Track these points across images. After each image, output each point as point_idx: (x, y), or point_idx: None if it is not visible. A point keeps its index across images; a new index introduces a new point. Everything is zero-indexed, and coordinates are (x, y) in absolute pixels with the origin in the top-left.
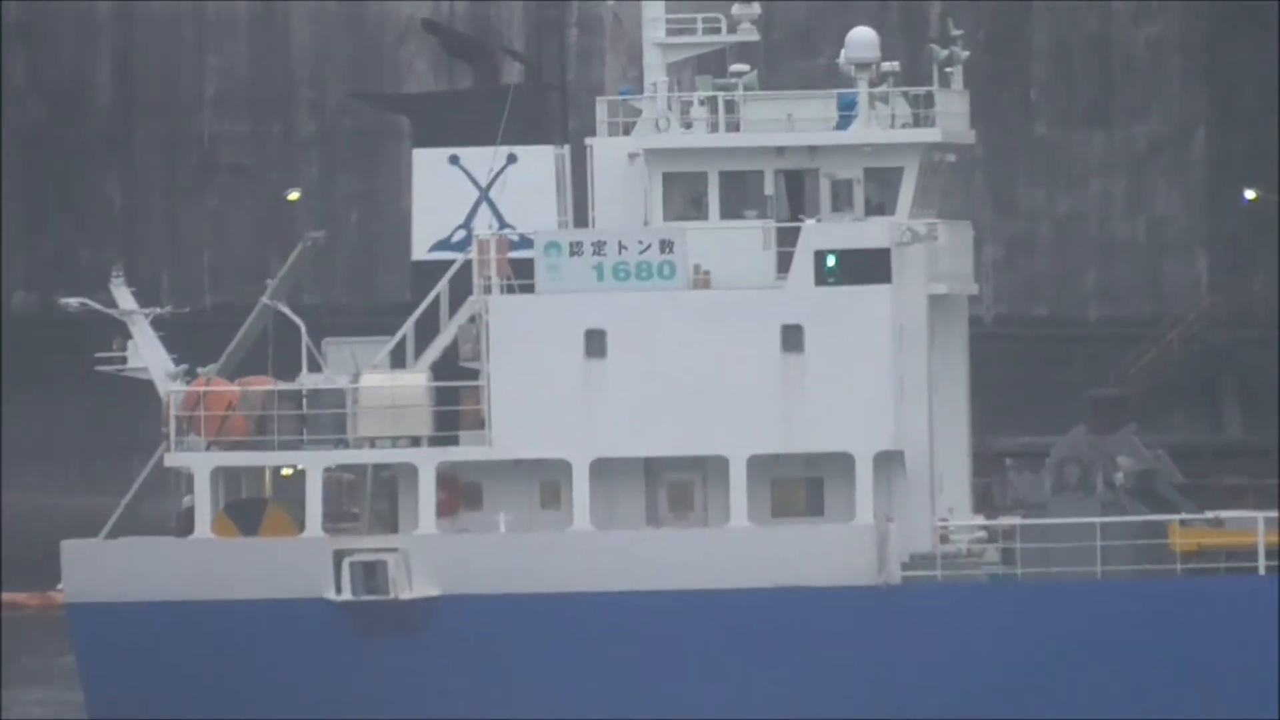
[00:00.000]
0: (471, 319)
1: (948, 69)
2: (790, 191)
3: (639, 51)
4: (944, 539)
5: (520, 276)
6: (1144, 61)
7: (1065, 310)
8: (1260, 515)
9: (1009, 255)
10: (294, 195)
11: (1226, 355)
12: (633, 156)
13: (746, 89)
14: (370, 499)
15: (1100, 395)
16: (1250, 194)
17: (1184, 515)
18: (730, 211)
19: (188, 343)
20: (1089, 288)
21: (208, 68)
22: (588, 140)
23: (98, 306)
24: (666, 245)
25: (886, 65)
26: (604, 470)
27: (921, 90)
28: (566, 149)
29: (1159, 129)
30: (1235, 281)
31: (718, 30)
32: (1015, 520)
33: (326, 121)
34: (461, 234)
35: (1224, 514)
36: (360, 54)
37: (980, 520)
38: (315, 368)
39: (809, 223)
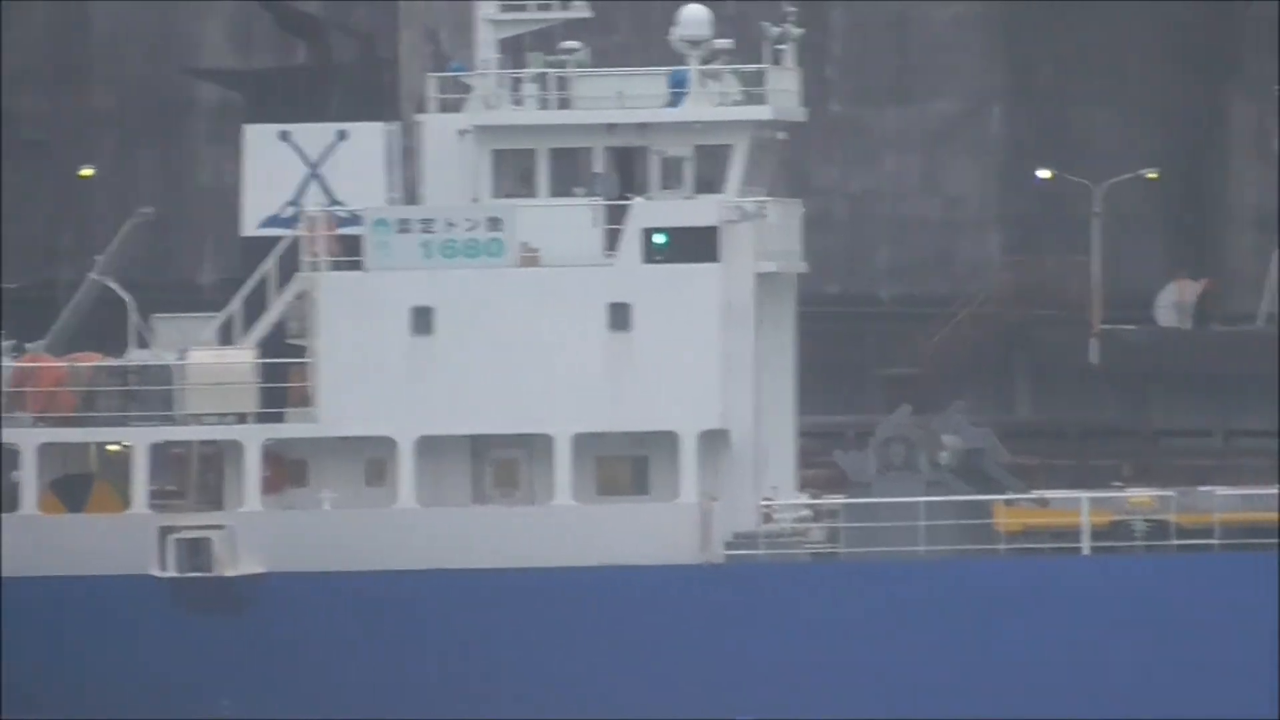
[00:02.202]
0: (299, 295)
1: (779, 47)
2: (620, 169)
3: (434, 30)
4: (768, 518)
5: (349, 253)
6: (941, 39)
7: (858, 288)
8: (1085, 495)
9: (803, 233)
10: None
11: (1018, 335)
12: (462, 133)
13: (577, 66)
14: (197, 475)
15: (892, 374)
16: (1044, 173)
17: (1009, 495)
18: (560, 189)
19: None
20: (882, 266)
21: (3, 42)
22: (418, 117)
23: None
24: (495, 223)
25: (719, 43)
26: (430, 448)
27: (752, 68)
28: (397, 126)
29: (954, 107)
30: (1028, 261)
31: (549, 6)
32: (839, 499)
33: (125, 96)
34: (291, 210)
35: (1049, 494)
36: (158, 28)
37: (804, 499)
38: (144, 344)
39: (638, 200)
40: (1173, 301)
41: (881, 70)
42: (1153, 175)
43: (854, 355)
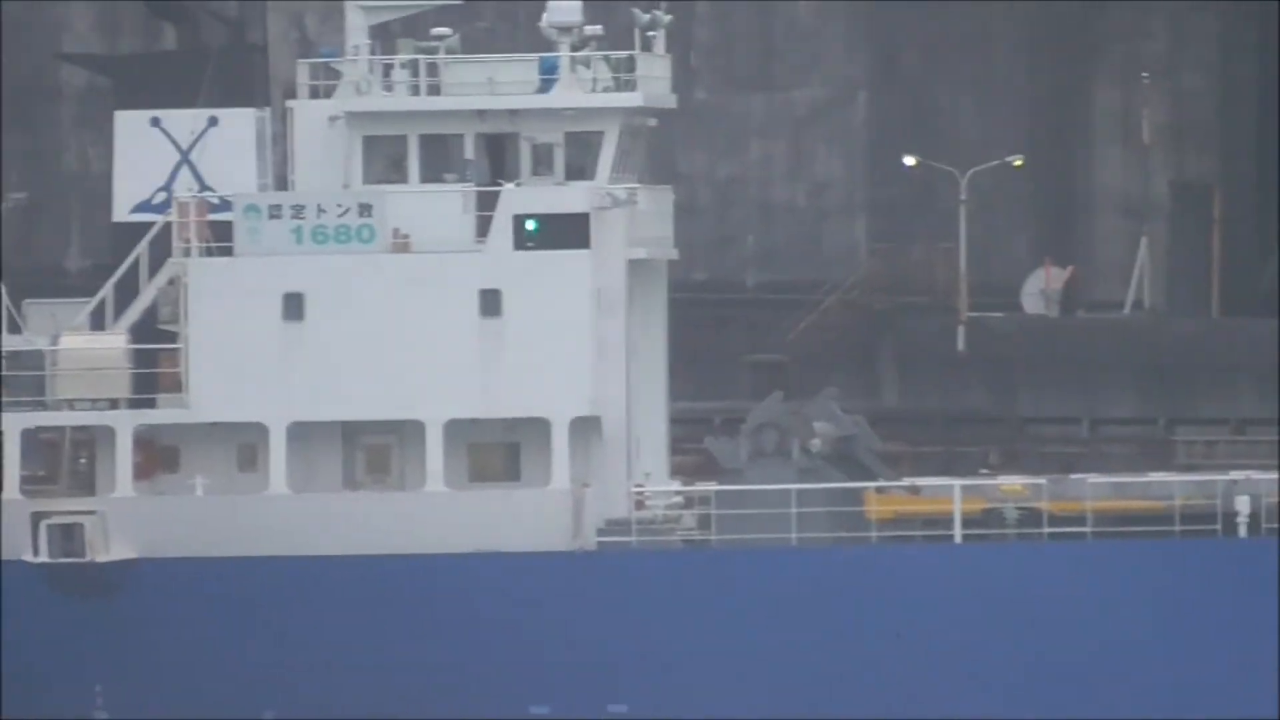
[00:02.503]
0: (171, 281)
1: (650, 33)
2: (491, 155)
3: (300, 14)
4: (640, 504)
5: (220, 239)
6: (806, 26)
7: (724, 275)
8: (957, 483)
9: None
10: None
11: (885, 322)
12: (333, 119)
13: (448, 52)
14: (69, 461)
15: (758, 360)
16: (910, 160)
17: (881, 482)
18: (431, 175)
19: None
20: (748, 252)
21: None
22: (289, 102)
23: None
24: (365, 209)
25: (589, 29)
26: (301, 434)
27: (623, 54)
28: (268, 111)
29: (820, 94)
30: (894, 248)
31: None
32: (710, 486)
33: None
34: (162, 196)
35: (921, 481)
36: (24, 12)
37: (676, 485)
38: (16, 329)
39: (508, 187)
40: (1039, 289)
41: (746, 57)
42: (1018, 162)
43: (720, 342)
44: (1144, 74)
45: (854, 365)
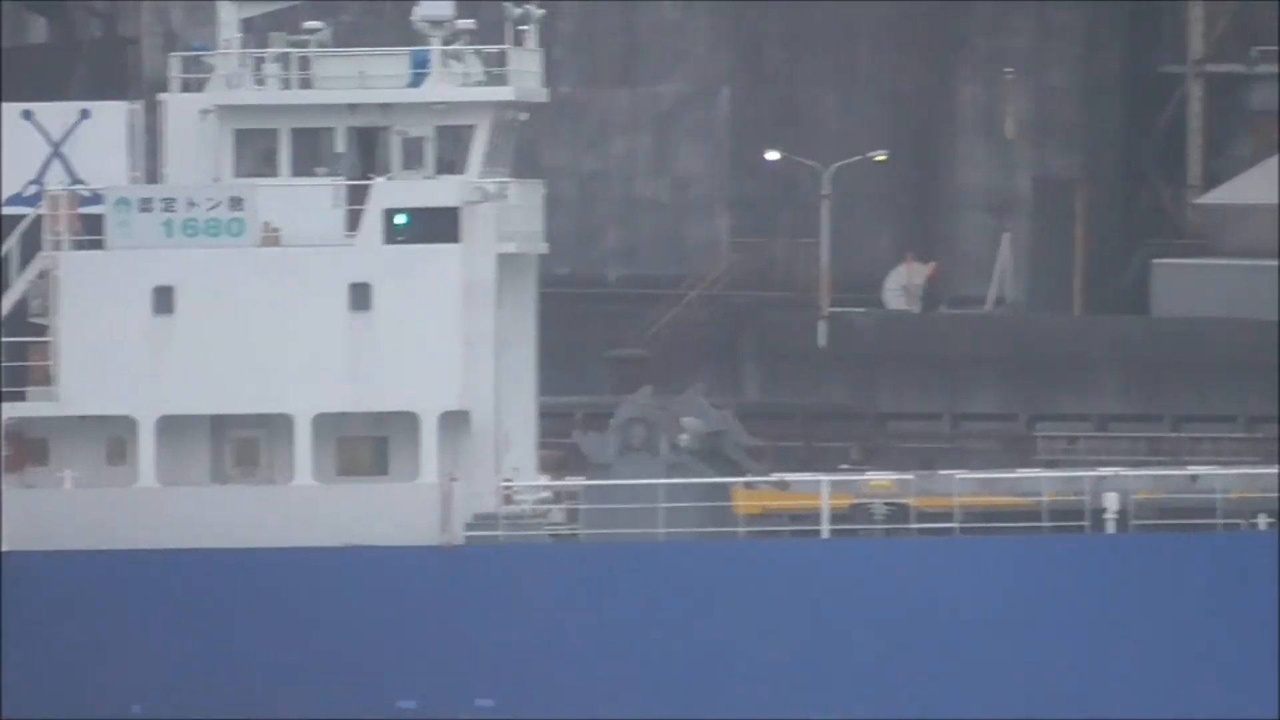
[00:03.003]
0: (41, 274)
1: (521, 27)
2: (362, 149)
3: (165, 10)
4: (509, 499)
5: (91, 232)
6: (670, 21)
7: (587, 269)
8: (825, 478)
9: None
10: None
11: (747, 317)
12: (204, 113)
13: (319, 46)
14: None
15: (619, 355)
16: (773, 155)
17: (749, 478)
18: (302, 169)
19: None
20: (611, 247)
21: None
22: (160, 96)
23: None
24: (236, 202)
25: (461, 23)
26: (170, 427)
27: (495, 49)
28: (140, 105)
29: (684, 89)
30: (756, 243)
31: None
32: (579, 481)
33: None
34: (33, 189)
35: (789, 477)
36: None
37: (545, 480)
38: None
39: (379, 181)
40: (900, 284)
41: (611, 52)
42: (881, 158)
43: (583, 336)
44: (1007, 70)
45: (716, 360)
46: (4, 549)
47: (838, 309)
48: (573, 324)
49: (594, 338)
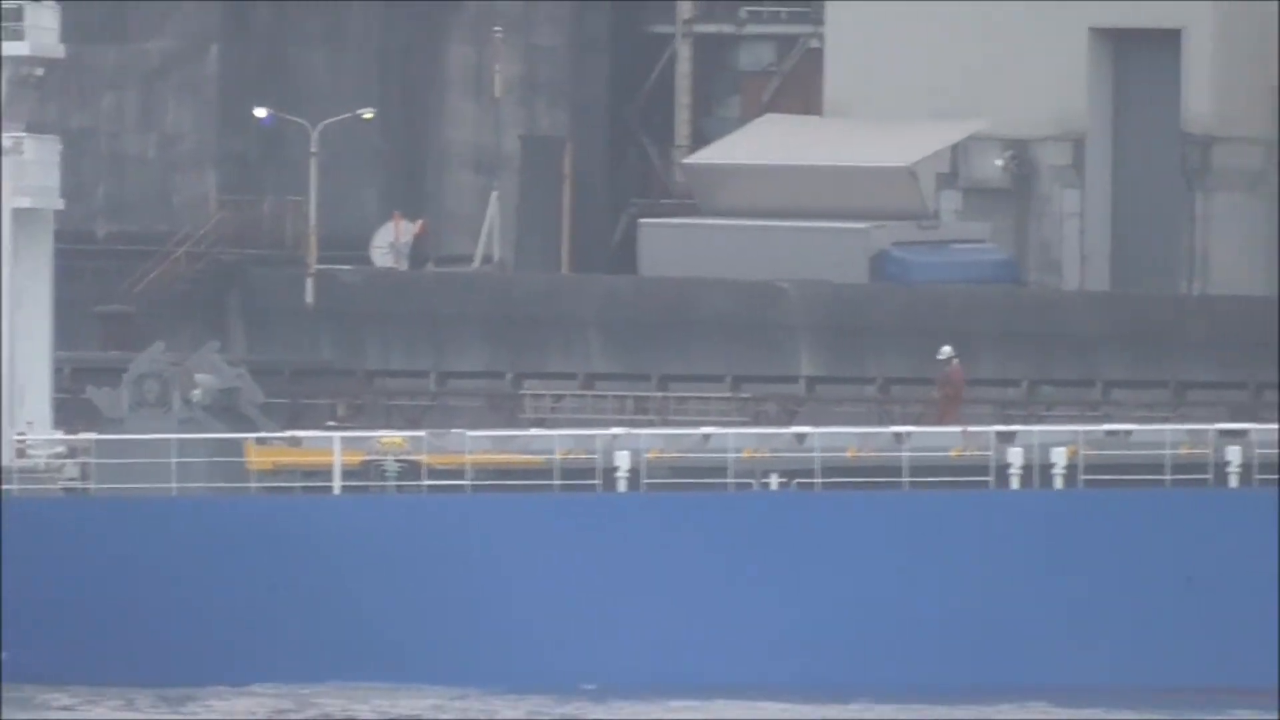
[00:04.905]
0: None
1: None
2: None
3: None
4: (22, 453)
5: None
6: None
7: (75, 225)
8: (336, 435)
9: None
10: None
11: (235, 274)
12: None
13: None
14: None
15: (106, 311)
16: (261, 112)
17: (262, 434)
18: None
19: None
20: (99, 203)
21: None
22: None
23: None
24: None
25: None
26: None
27: (12, 4)
28: None
29: (172, 45)
30: (245, 200)
31: None
32: (91, 436)
33: None
34: None
35: (302, 434)
36: None
37: (59, 435)
38: None
39: None
40: (388, 242)
41: (100, 8)
42: (369, 115)
43: (72, 293)
44: (496, 29)
45: (203, 317)
46: None
47: (325, 266)
48: (61, 280)
49: (82, 294)
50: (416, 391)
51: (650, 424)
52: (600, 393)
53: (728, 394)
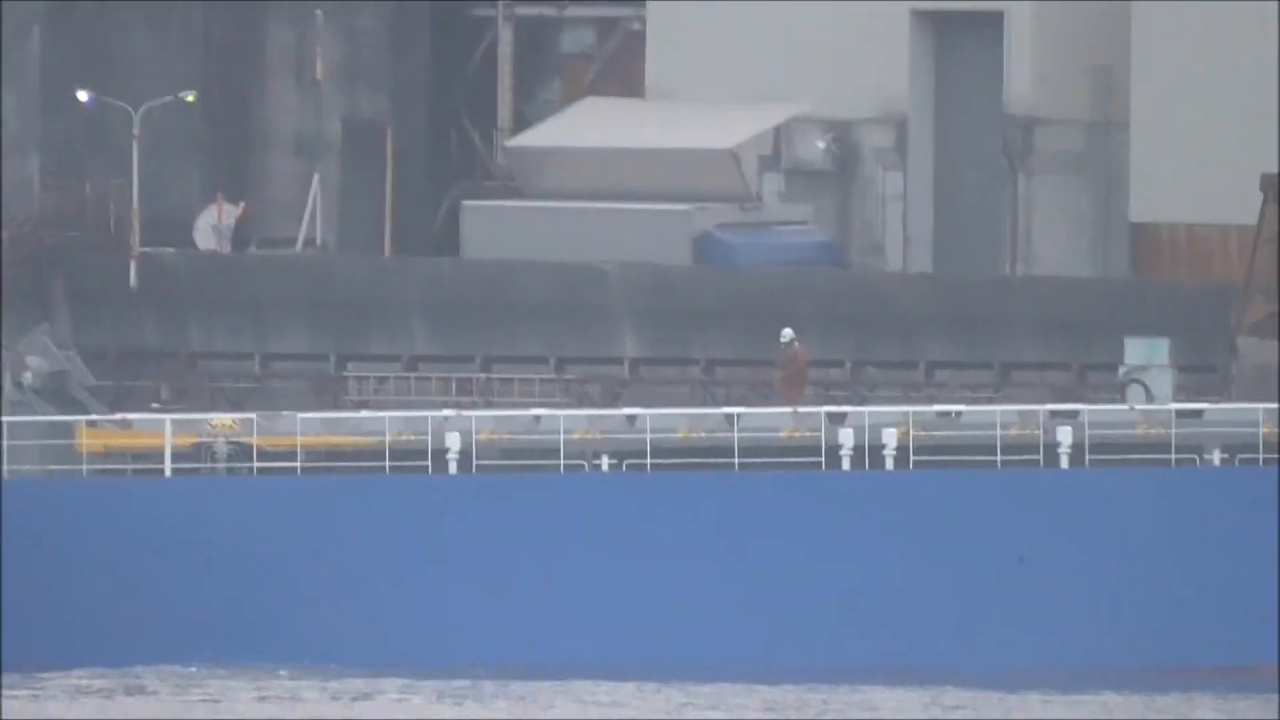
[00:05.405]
0: None
1: None
2: None
3: None
4: None
5: None
6: None
7: None
8: (168, 418)
9: None
10: None
11: (58, 258)
12: None
13: None
14: None
15: None
16: (83, 95)
17: (93, 416)
18: None
19: None
20: None
21: None
22: None
23: None
24: None
25: None
26: None
27: None
28: None
29: None
30: (68, 183)
31: None
32: None
33: None
34: None
35: (133, 416)
36: None
37: None
38: None
39: None
40: (211, 225)
41: None
42: (190, 98)
43: None
44: (318, 11)
45: (26, 301)
46: None
47: (148, 249)
48: None
49: None
50: (240, 374)
51: (474, 405)
52: (424, 374)
53: (551, 376)
